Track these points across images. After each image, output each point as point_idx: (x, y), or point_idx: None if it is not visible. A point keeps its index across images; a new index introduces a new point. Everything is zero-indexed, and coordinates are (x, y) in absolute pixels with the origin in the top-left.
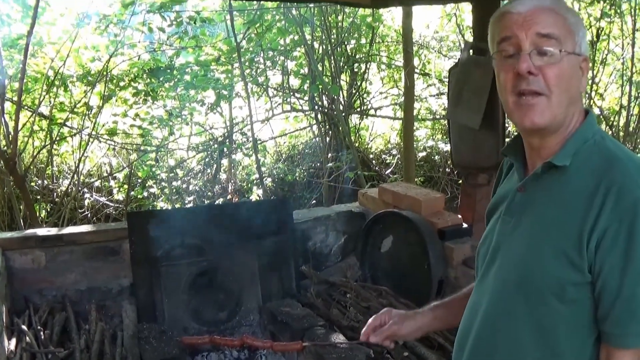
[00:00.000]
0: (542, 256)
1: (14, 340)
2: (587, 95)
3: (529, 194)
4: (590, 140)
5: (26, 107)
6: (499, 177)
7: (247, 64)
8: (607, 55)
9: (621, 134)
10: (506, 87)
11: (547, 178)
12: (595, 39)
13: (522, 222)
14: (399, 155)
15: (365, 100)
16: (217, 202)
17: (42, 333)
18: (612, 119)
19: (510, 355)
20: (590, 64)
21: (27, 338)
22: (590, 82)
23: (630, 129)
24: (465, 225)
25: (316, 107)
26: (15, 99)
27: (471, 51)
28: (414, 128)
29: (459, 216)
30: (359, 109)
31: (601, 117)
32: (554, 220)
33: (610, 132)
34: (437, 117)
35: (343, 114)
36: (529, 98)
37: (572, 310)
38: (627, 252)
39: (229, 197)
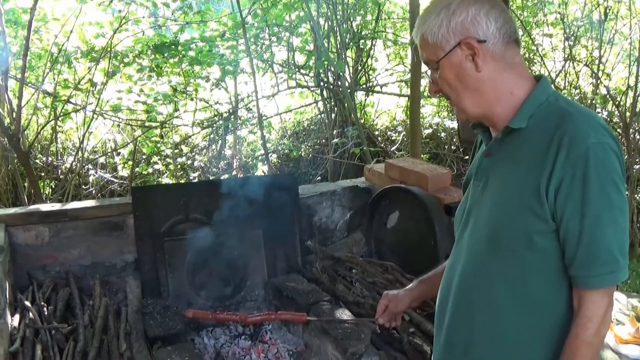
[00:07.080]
0: (508, 212)
1: (17, 317)
2: (593, 75)
3: (493, 157)
4: (545, 102)
5: (30, 84)
6: (474, 151)
7: (252, 39)
8: (614, 35)
9: (628, 113)
10: None
11: (508, 141)
12: (603, 17)
13: (488, 184)
14: (404, 132)
15: (370, 77)
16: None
17: (45, 309)
18: (619, 98)
19: (489, 310)
20: (598, 44)
21: (31, 314)
22: (597, 61)
23: (637, 109)
24: None
25: (322, 84)
26: (19, 76)
27: None
28: (420, 105)
29: None
30: (364, 86)
31: (608, 96)
32: (516, 178)
33: (617, 112)
34: None
35: (349, 91)
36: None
37: (541, 258)
38: (583, 198)
39: (234, 173)
